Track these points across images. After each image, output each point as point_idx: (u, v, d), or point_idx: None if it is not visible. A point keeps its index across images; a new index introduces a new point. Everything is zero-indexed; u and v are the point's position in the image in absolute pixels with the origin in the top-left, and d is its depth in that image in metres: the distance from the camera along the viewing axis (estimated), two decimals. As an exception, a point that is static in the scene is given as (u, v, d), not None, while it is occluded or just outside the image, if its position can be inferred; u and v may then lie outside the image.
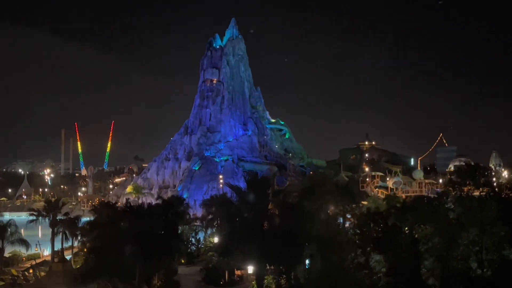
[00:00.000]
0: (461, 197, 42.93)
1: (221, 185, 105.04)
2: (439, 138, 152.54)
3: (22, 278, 49.01)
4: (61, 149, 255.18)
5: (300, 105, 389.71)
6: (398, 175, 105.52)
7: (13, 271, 51.08)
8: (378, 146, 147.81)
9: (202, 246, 60.00)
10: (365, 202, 63.06)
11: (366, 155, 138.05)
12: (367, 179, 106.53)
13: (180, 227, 49.82)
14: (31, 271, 50.88)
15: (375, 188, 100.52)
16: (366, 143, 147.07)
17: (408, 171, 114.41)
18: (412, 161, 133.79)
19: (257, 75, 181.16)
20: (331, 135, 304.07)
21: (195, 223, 64.73)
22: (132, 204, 37.14)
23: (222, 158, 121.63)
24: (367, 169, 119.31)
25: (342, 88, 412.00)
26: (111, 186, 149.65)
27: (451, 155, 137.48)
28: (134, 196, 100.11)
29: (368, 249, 35.54)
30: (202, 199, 75.66)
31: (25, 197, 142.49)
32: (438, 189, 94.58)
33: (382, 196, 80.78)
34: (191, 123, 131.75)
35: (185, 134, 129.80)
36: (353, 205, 55.01)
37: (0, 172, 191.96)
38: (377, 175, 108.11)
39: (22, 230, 57.04)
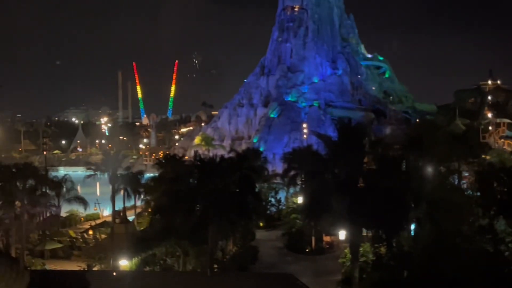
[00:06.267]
0: None
1: (305, 136, 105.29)
2: None
3: (81, 240, 52.67)
4: (118, 94, 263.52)
5: (403, 36, 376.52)
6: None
7: (71, 233, 54.88)
8: (505, 86, 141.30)
9: (284, 208, 60.98)
10: (487, 156, 61.26)
11: (489, 97, 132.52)
12: (490, 128, 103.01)
13: (257, 185, 50.71)
14: (90, 232, 54.35)
15: (500, 139, 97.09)
16: (489, 82, 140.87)
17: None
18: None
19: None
20: (444, 73, 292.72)
21: (275, 181, 65.69)
22: (202, 157, 37.99)
23: (306, 104, 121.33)
24: (490, 115, 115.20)
25: (458, 10, 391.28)
26: (176, 137, 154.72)
27: None
28: (203, 148, 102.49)
29: (492, 212, 34.60)
30: (283, 152, 76.18)
31: (80, 149, 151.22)
32: None
33: (510, 149, 77.99)
34: (268, 61, 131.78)
35: (261, 75, 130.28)
36: (472, 160, 53.50)
37: (52, 122, 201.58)
38: (503, 123, 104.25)
39: (78, 186, 60.12)
